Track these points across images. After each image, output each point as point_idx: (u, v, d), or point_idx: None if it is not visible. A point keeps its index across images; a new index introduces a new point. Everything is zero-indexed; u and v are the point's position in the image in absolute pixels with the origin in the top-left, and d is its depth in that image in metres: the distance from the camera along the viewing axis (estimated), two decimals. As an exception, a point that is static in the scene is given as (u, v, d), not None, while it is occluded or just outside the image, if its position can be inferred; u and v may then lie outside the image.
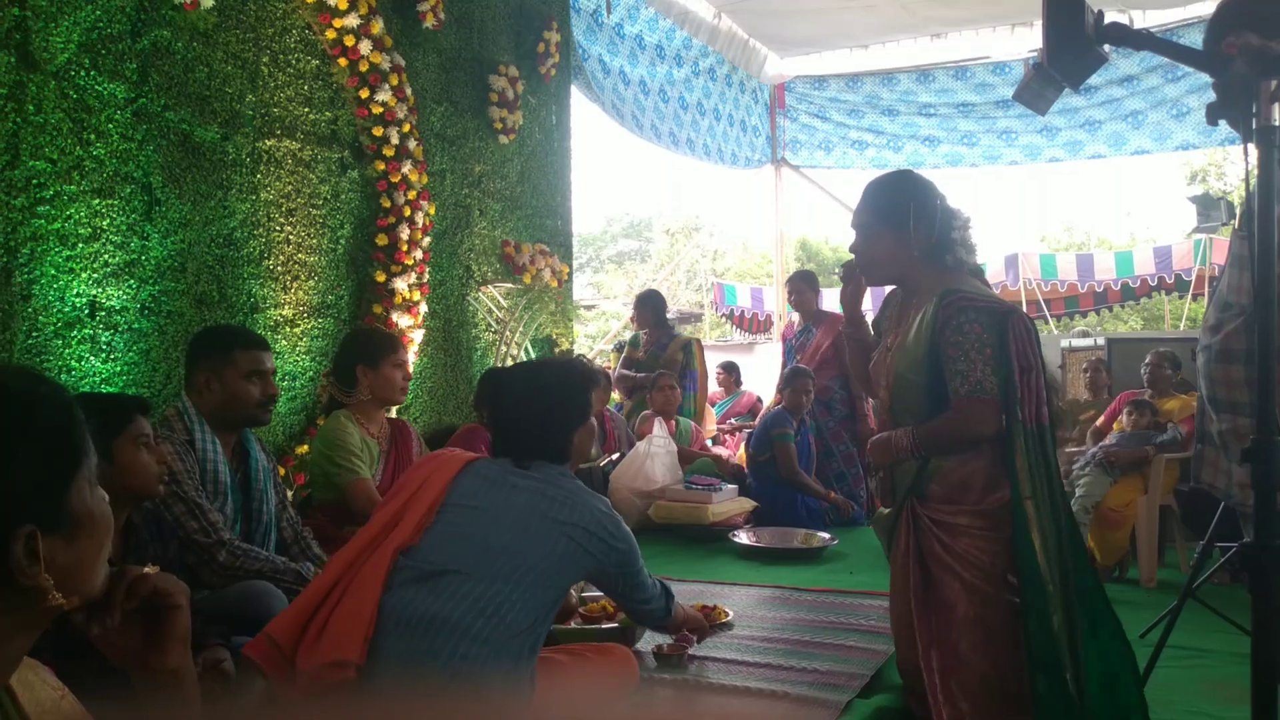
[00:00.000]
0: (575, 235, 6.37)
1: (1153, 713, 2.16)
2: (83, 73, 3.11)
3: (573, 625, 2.76)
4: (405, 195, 4.41)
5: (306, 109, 4.04)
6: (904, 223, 2.20)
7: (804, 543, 4.34)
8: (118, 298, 3.23)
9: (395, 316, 4.35)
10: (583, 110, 6.71)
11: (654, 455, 4.87)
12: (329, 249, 4.15)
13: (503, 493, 2.00)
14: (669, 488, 4.80)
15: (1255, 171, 1.83)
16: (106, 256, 3.19)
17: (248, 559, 2.46)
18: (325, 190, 4.14)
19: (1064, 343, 7.30)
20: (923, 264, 2.22)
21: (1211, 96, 1.94)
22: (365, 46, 4.15)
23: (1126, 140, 8.32)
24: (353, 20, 4.07)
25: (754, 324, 11.91)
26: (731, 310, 12.01)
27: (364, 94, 4.24)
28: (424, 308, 4.55)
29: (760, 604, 3.37)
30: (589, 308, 21.03)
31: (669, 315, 6.70)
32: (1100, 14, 2.01)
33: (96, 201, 3.16)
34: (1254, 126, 1.81)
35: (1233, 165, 18.49)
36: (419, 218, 4.46)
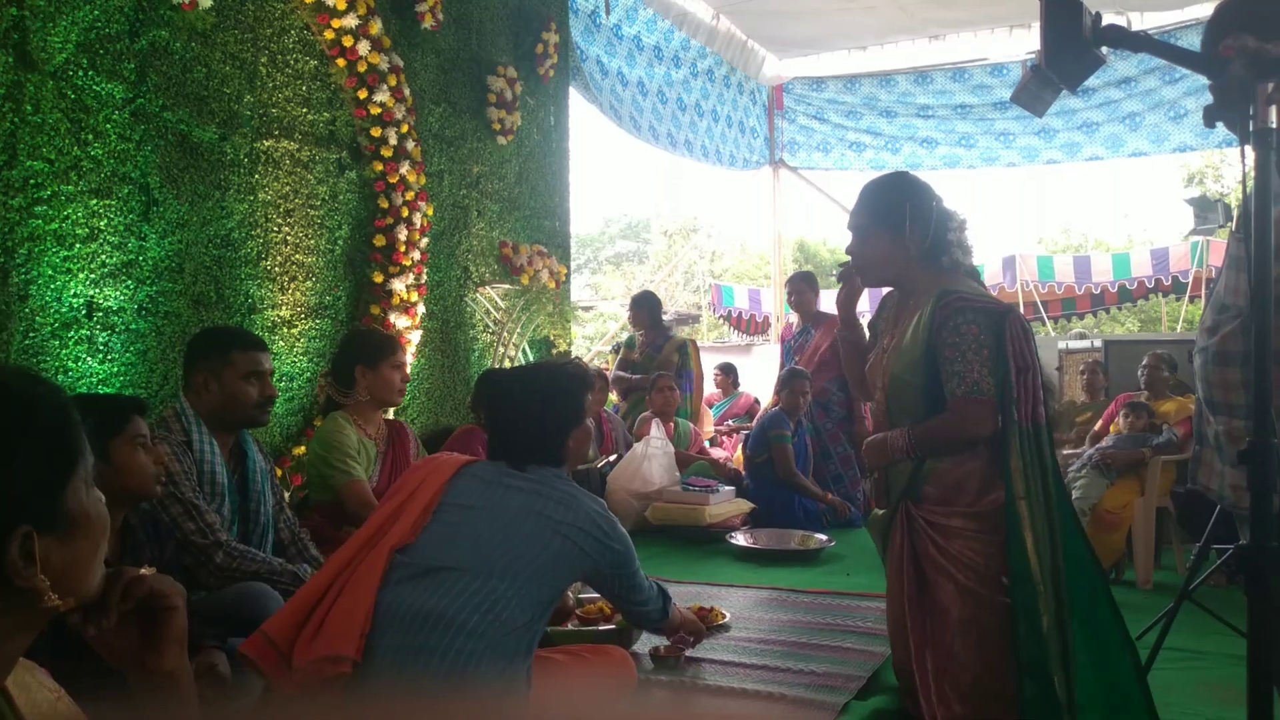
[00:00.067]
0: (573, 236, 6.37)
1: (1149, 715, 2.16)
2: (81, 73, 3.11)
3: (570, 627, 2.76)
4: (403, 196, 4.41)
5: (305, 109, 4.04)
6: (900, 224, 2.20)
7: (801, 544, 4.34)
8: (115, 298, 3.23)
9: (393, 317, 4.35)
10: (581, 111, 6.72)
11: (651, 457, 4.87)
12: (327, 250, 4.15)
13: (498, 493, 2.02)
14: (666, 489, 4.80)
15: (1252, 174, 1.83)
16: (104, 257, 3.19)
17: (245, 560, 2.46)
18: (323, 191, 4.13)
19: (1061, 344, 7.30)
20: (919, 265, 2.22)
21: (1209, 99, 1.94)
22: (364, 47, 4.14)
23: (1124, 142, 8.34)
24: (351, 21, 4.07)
25: (751, 325, 11.92)
26: (729, 312, 12.02)
27: (362, 94, 4.24)
28: (421, 309, 4.55)
29: (757, 606, 3.37)
30: (587, 309, 21.03)
31: (665, 316, 6.70)
32: (1098, 16, 2.01)
33: (94, 202, 3.16)
34: (1251, 129, 1.81)
35: (1230, 167, 18.52)
36: (417, 218, 4.46)
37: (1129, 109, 8.18)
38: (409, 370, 3.90)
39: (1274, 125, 1.81)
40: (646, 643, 2.72)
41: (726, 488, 4.97)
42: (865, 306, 6.73)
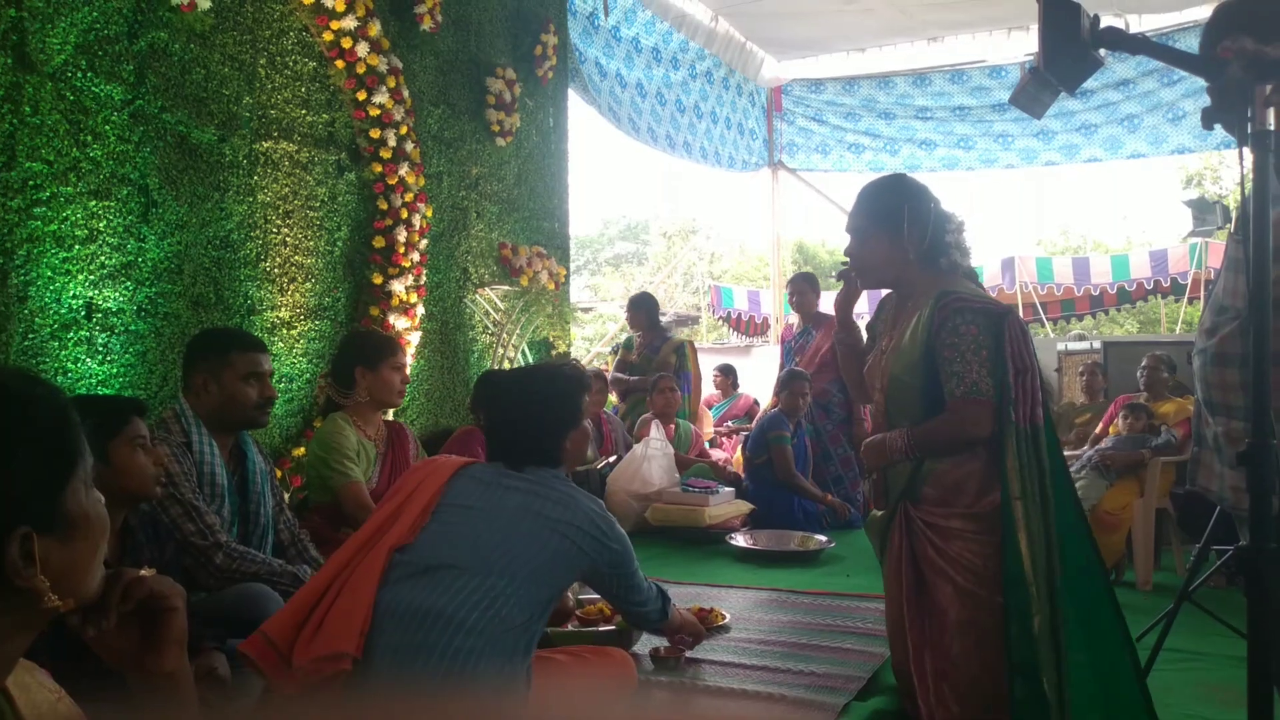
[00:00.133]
0: (572, 238, 6.37)
1: (1148, 716, 2.16)
2: (79, 74, 3.11)
3: (570, 628, 2.76)
4: (402, 197, 4.41)
5: (304, 111, 4.04)
6: (898, 226, 2.20)
7: (801, 545, 4.34)
8: (114, 299, 3.22)
9: (392, 319, 4.35)
10: (580, 113, 6.72)
11: (651, 458, 4.87)
12: (326, 251, 4.15)
13: (497, 494, 2.02)
14: (666, 490, 4.80)
15: (1250, 176, 1.83)
16: (103, 258, 3.19)
17: (244, 561, 2.46)
18: (322, 192, 4.13)
19: (1060, 346, 7.31)
20: (917, 267, 2.23)
21: (1207, 101, 1.95)
22: (362, 48, 4.15)
23: (1122, 144, 8.35)
24: (350, 22, 4.07)
25: (751, 327, 11.92)
26: (728, 313, 12.02)
27: (361, 96, 4.24)
28: (421, 310, 4.55)
29: (757, 607, 3.37)
30: (586, 310, 21.04)
31: (664, 318, 6.70)
32: (1096, 18, 2.02)
33: (93, 203, 3.16)
34: (1249, 130, 1.81)
35: (1228, 169, 18.54)
36: (416, 220, 4.46)
37: (1127, 111, 8.19)
38: (408, 371, 3.90)
39: (1272, 127, 1.81)
40: (647, 644, 2.72)
41: (726, 489, 4.97)
42: (864, 308, 6.74)
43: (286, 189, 3.95)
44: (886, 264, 2.26)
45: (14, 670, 0.91)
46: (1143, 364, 5.37)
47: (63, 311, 3.06)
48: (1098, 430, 5.31)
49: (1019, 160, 8.89)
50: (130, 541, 2.17)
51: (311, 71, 4.08)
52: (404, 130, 4.41)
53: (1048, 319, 10.80)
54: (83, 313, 3.13)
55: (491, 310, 5.17)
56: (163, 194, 3.40)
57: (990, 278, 10.11)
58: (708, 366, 7.60)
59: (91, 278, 3.15)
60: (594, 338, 18.62)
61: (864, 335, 2.61)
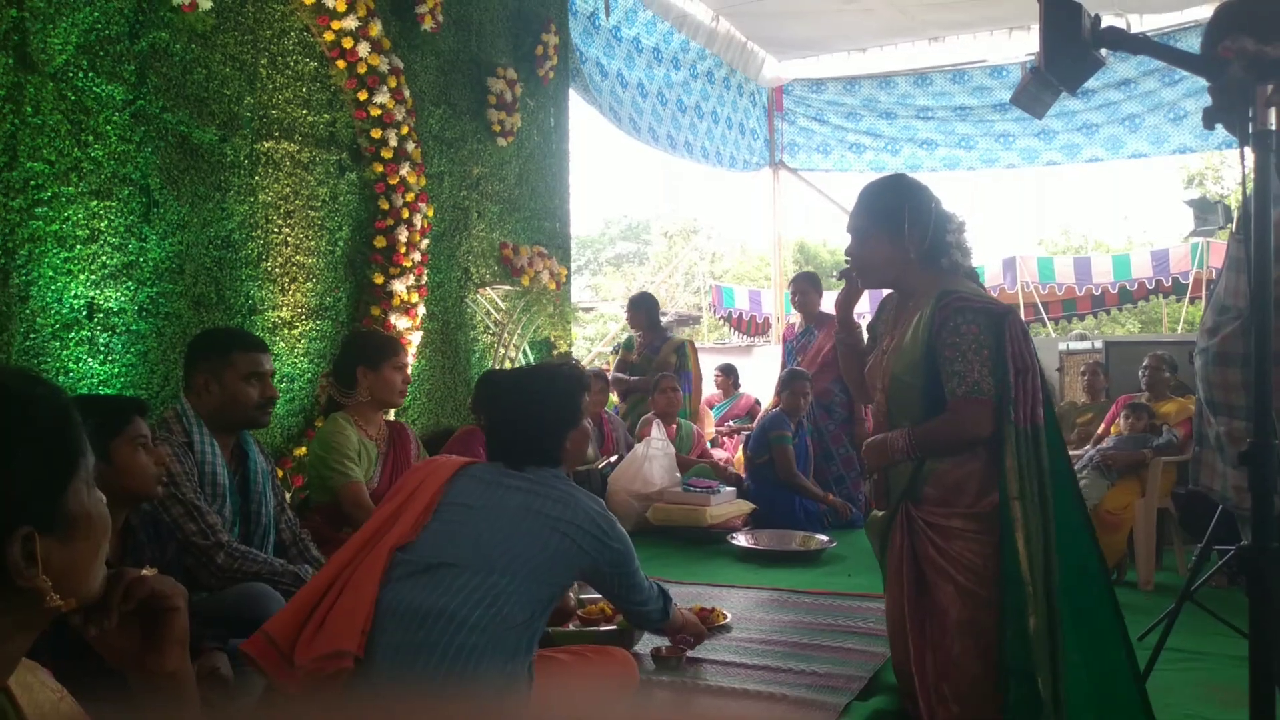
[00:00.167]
0: (573, 237, 6.37)
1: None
2: (81, 74, 3.11)
3: (571, 628, 2.76)
4: (403, 197, 4.41)
5: (305, 111, 4.04)
6: (899, 226, 2.20)
7: (802, 545, 4.34)
8: (116, 299, 3.23)
9: (393, 318, 4.35)
10: (581, 113, 6.73)
11: (652, 458, 4.87)
12: (327, 251, 4.15)
13: (497, 493, 2.03)
14: (667, 490, 4.80)
15: (1252, 175, 1.83)
16: (104, 258, 3.19)
17: (246, 561, 2.46)
18: (323, 192, 4.14)
19: (1062, 346, 7.30)
20: (918, 267, 2.22)
21: (1208, 100, 1.95)
22: (363, 48, 4.15)
23: (1124, 144, 8.35)
24: (351, 22, 4.08)
25: (752, 326, 11.91)
26: (729, 313, 12.02)
27: (362, 96, 4.24)
28: (422, 310, 4.56)
29: (758, 606, 3.37)
30: (587, 310, 21.03)
31: (665, 318, 6.70)
32: (1097, 18, 2.02)
33: (94, 203, 3.16)
34: (1250, 130, 1.81)
35: (1229, 169, 18.53)
36: (417, 220, 4.47)
37: (1128, 111, 8.19)
38: (410, 371, 3.90)
39: (1273, 127, 1.81)
40: (648, 643, 2.72)
41: (727, 489, 4.97)
42: (865, 308, 6.74)
43: (288, 189, 3.95)
44: (887, 264, 2.26)
45: (16, 670, 0.91)
46: (1144, 364, 5.36)
47: (64, 311, 3.06)
48: (1099, 430, 5.31)
49: (1020, 160, 8.89)
50: (132, 541, 2.17)
51: (313, 71, 4.08)
52: (405, 130, 4.42)
53: (1049, 319, 10.79)
54: (84, 312, 3.13)
55: (493, 310, 5.17)
56: (164, 194, 3.41)
57: (992, 277, 10.11)
58: (709, 366, 7.59)
59: (93, 277, 3.16)
60: (595, 337, 18.62)
61: (865, 335, 2.61)
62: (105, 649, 1.01)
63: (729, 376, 7.92)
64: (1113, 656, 2.11)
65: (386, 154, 4.34)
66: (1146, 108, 8.11)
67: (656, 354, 6.09)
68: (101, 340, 3.18)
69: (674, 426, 5.51)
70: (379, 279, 4.34)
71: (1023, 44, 8.15)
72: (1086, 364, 6.18)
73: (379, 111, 4.29)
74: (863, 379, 2.45)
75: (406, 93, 4.41)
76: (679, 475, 4.97)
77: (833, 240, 23.61)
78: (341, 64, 4.17)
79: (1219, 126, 1.95)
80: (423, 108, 4.69)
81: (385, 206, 4.36)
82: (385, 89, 4.26)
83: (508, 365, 5.07)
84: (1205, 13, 6.82)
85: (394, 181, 4.37)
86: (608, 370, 6.30)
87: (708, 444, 6.27)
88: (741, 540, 4.38)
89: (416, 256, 4.47)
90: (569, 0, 6.18)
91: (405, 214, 4.41)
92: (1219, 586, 3.84)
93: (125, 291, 3.26)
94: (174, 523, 2.39)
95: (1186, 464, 4.42)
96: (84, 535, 0.90)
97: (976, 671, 2.07)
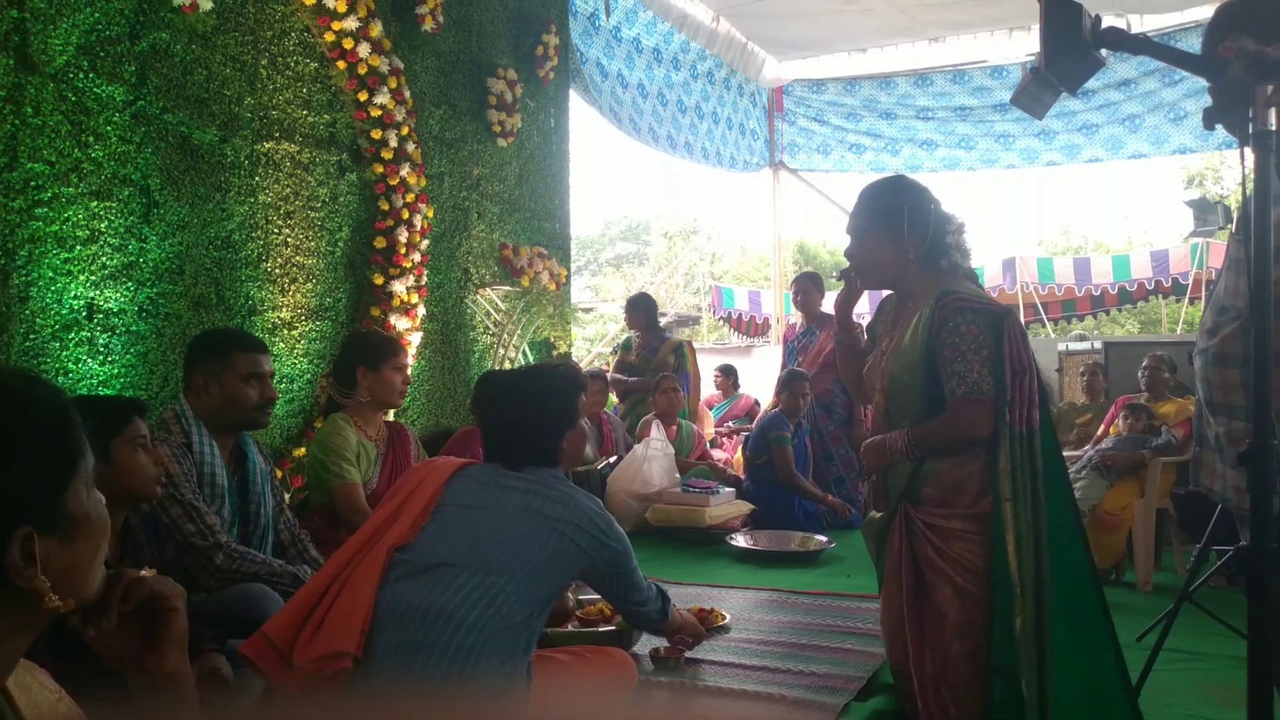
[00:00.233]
0: (573, 238, 6.37)
1: (1149, 717, 2.16)
2: (81, 75, 3.11)
3: (570, 628, 2.76)
4: (403, 198, 4.41)
5: (305, 111, 4.04)
6: (898, 227, 2.20)
7: (801, 546, 4.34)
8: (115, 300, 3.23)
9: (393, 319, 4.35)
10: (581, 113, 6.73)
11: (651, 458, 4.87)
12: (327, 252, 4.15)
13: (496, 493, 2.03)
14: (666, 491, 4.80)
15: (1252, 176, 1.83)
16: (104, 259, 3.19)
17: (245, 562, 2.46)
18: (323, 193, 4.14)
19: (1061, 346, 7.31)
20: (918, 268, 2.23)
21: (1208, 101, 1.95)
22: (364, 49, 4.15)
23: (1124, 144, 8.35)
24: (351, 23, 4.08)
25: (752, 327, 11.92)
26: (729, 313, 12.02)
27: (362, 97, 4.25)
28: (422, 310, 4.56)
29: (757, 607, 3.37)
30: (587, 310, 21.04)
31: (665, 318, 6.70)
32: (1098, 18, 2.02)
33: (95, 204, 3.16)
34: (1250, 131, 1.81)
35: (1229, 169, 18.53)
36: (417, 220, 4.47)
37: (1129, 111, 8.19)
38: (409, 372, 3.90)
39: (1273, 127, 1.81)
40: (647, 644, 2.72)
41: (726, 489, 4.97)
42: (864, 309, 6.74)
43: (288, 190, 3.96)
44: (887, 265, 2.26)
45: (15, 670, 0.91)
46: (1143, 364, 5.36)
47: (64, 312, 3.06)
48: (1099, 431, 5.31)
49: (1020, 160, 8.90)
50: (131, 542, 2.17)
51: (313, 72, 4.09)
52: (405, 131, 4.42)
53: (1049, 319, 10.80)
54: (84, 313, 3.13)
55: (492, 311, 5.17)
56: (164, 195, 3.41)
57: (991, 278, 10.11)
58: (708, 367, 7.59)
59: (93, 278, 3.16)
60: (595, 338, 18.63)
61: (864, 336, 2.61)
62: (104, 650, 1.01)
63: (728, 377, 7.92)
64: (1102, 658, 2.11)
65: (387, 155, 4.34)
66: (1147, 108, 8.11)
67: (655, 355, 6.09)
68: (101, 341, 3.18)
69: (674, 427, 5.51)
70: (379, 280, 4.34)
71: (1023, 44, 8.15)
72: (1086, 364, 6.18)
73: (379, 112, 4.29)
74: (862, 380, 2.45)
75: (407, 93, 4.41)
76: (678, 476, 4.97)
77: (833, 241, 23.62)
78: (342, 65, 4.17)
79: (1219, 127, 1.95)
80: (423, 108, 4.69)
81: (385, 207, 4.36)
82: (385, 90, 4.26)
83: (507, 366, 5.07)
84: (1205, 13, 6.83)
85: (394, 182, 4.37)
86: (607, 371, 6.30)
87: (707, 445, 6.27)
88: (740, 541, 4.38)
89: (416, 257, 4.47)
90: (569, 1, 6.18)
91: (405, 215, 4.41)
92: (1218, 587, 3.85)
93: (125, 292, 3.26)
94: (173, 523, 2.39)
95: (1185, 464, 4.42)
96: (83, 536, 0.90)
97: (975, 672, 2.07)
